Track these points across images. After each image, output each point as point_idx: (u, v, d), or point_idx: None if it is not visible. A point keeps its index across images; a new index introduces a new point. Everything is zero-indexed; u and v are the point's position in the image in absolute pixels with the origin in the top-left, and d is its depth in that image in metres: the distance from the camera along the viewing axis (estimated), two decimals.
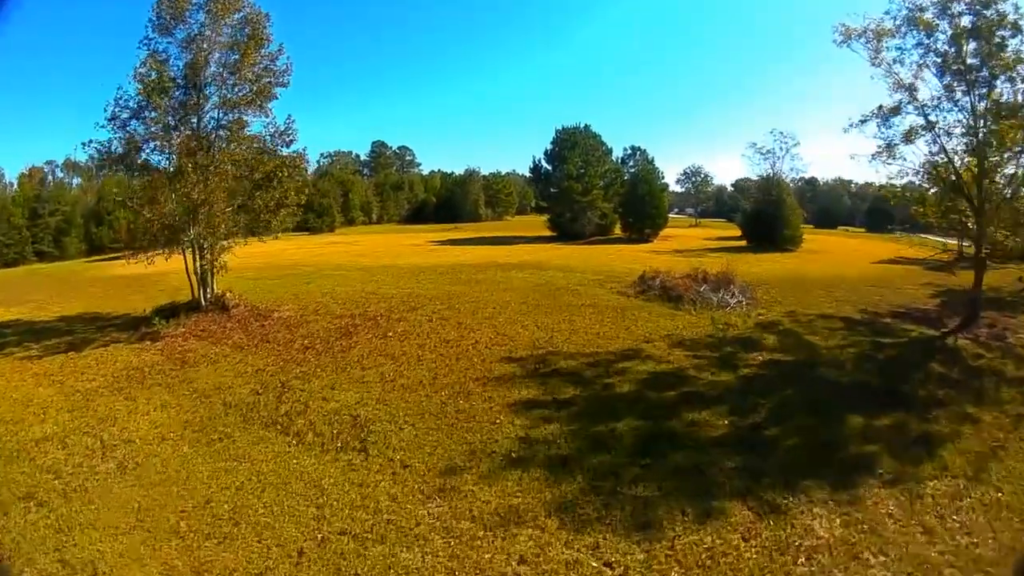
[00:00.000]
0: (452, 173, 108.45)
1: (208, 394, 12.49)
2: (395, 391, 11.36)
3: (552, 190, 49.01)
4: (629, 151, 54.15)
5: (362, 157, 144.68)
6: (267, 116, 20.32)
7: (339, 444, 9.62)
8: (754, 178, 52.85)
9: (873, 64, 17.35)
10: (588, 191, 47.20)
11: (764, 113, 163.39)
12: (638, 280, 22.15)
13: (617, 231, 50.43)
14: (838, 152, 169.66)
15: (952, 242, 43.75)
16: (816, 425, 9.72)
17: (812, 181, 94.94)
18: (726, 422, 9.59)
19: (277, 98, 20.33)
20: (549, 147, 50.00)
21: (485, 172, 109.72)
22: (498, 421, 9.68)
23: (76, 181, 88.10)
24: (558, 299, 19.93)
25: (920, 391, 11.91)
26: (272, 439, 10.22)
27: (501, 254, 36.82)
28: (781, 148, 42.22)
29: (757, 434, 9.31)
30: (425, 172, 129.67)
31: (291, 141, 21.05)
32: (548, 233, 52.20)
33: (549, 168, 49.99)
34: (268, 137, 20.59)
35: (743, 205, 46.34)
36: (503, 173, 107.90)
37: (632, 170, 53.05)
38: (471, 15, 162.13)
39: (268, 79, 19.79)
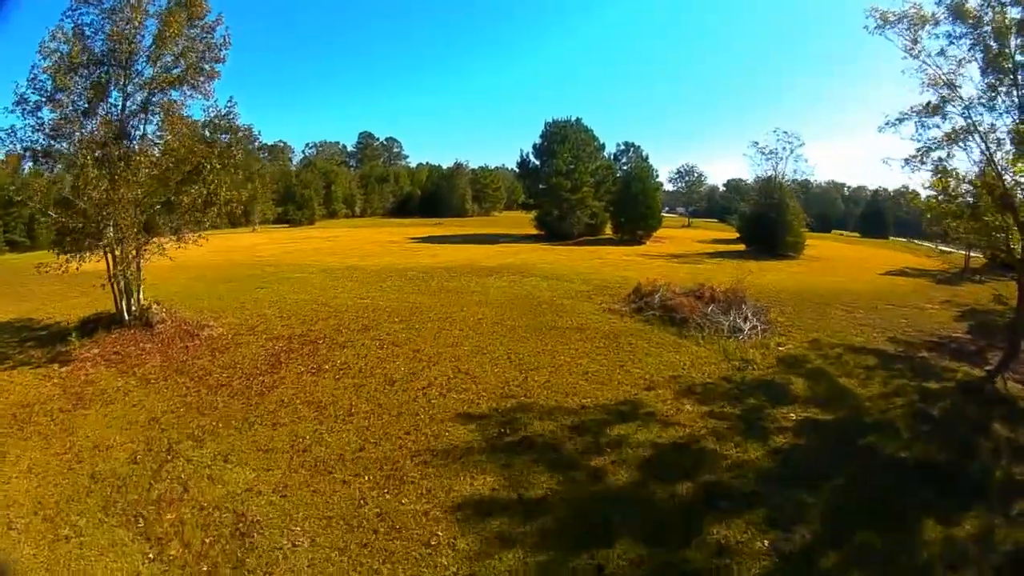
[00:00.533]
0: (439, 167, 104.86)
1: (81, 456, 9.36)
2: (303, 470, 8.24)
3: (540, 186, 45.88)
4: (622, 147, 51.20)
5: (349, 148, 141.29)
6: (206, 98, 17.14)
7: (206, 568, 6.53)
8: (749, 179, 50.32)
9: (910, 55, 14.67)
10: (578, 188, 44.12)
11: (758, 113, 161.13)
12: (633, 294, 19.19)
13: (608, 231, 47.50)
14: (831, 155, 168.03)
15: (959, 252, 41.95)
16: (887, 544, 6.82)
17: (805, 183, 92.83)
18: (766, 543, 6.62)
19: (218, 76, 17.14)
20: (538, 141, 46.84)
21: (475, 166, 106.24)
22: (434, 542, 6.61)
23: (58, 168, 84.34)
24: (539, 318, 16.89)
25: (994, 470, 9.19)
26: (126, 546, 7.12)
27: (481, 255, 33.72)
28: (784, 148, 39.47)
29: (812, 568, 6.34)
30: (413, 165, 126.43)
31: (231, 128, 17.88)
32: (535, 232, 49.12)
33: (537, 163, 46.80)
34: (207, 122, 17.45)
35: (742, 207, 43.44)
36: (492, 168, 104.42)
37: (625, 167, 50.07)
38: (467, 6, 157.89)
39: (201, 54, 16.55)
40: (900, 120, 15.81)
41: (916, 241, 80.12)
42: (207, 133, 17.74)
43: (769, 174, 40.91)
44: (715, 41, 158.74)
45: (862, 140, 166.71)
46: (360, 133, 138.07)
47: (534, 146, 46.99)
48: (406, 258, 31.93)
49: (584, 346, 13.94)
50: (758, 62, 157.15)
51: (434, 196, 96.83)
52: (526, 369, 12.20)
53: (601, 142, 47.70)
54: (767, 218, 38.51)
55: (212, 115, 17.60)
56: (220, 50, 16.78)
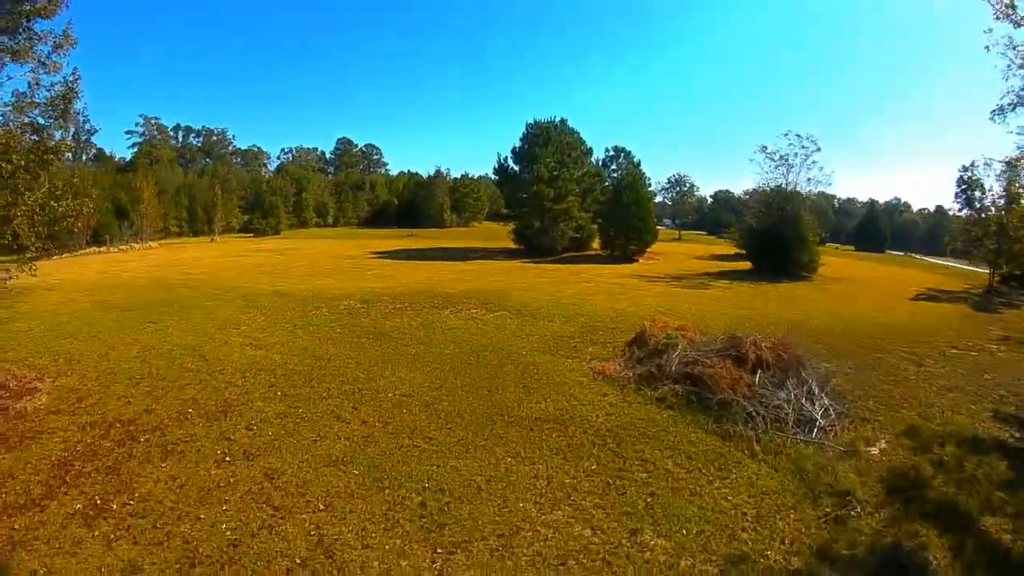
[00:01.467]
0: (418, 175, 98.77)
1: None
2: None
3: (520, 195, 40.17)
4: (611, 152, 45.86)
5: (327, 155, 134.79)
6: (36, 68, 11.33)
7: None
8: (747, 188, 45.30)
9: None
10: (562, 197, 38.47)
11: (749, 122, 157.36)
12: (636, 345, 13.53)
13: (595, 246, 41.91)
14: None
15: (981, 271, 37.34)
16: None
17: (822, 196, 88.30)
18: None
19: (71, 45, 11.44)
20: (518, 144, 41.16)
21: (457, 175, 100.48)
22: None
23: None
24: (497, 394, 11.05)
25: None
26: None
27: (447, 276, 27.87)
28: (798, 155, 34.17)
29: None
30: (394, 173, 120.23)
31: (66, 112, 11.96)
32: (513, 246, 43.40)
33: (516, 169, 41.09)
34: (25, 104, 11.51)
35: (747, 220, 38.01)
36: (474, 176, 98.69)
37: (615, 174, 44.62)
38: (453, 10, 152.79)
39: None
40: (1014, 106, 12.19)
41: (919, 256, 76.68)
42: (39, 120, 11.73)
43: (780, 183, 35.56)
44: (700, 46, 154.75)
45: (848, 151, 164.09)
46: (338, 139, 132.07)
47: (513, 150, 41.35)
48: (353, 280, 25.92)
49: (564, 471, 8.08)
50: (746, 68, 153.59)
51: (411, 205, 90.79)
52: (447, 545, 6.29)
53: (588, 146, 42.27)
54: (780, 234, 33.12)
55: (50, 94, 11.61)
56: None
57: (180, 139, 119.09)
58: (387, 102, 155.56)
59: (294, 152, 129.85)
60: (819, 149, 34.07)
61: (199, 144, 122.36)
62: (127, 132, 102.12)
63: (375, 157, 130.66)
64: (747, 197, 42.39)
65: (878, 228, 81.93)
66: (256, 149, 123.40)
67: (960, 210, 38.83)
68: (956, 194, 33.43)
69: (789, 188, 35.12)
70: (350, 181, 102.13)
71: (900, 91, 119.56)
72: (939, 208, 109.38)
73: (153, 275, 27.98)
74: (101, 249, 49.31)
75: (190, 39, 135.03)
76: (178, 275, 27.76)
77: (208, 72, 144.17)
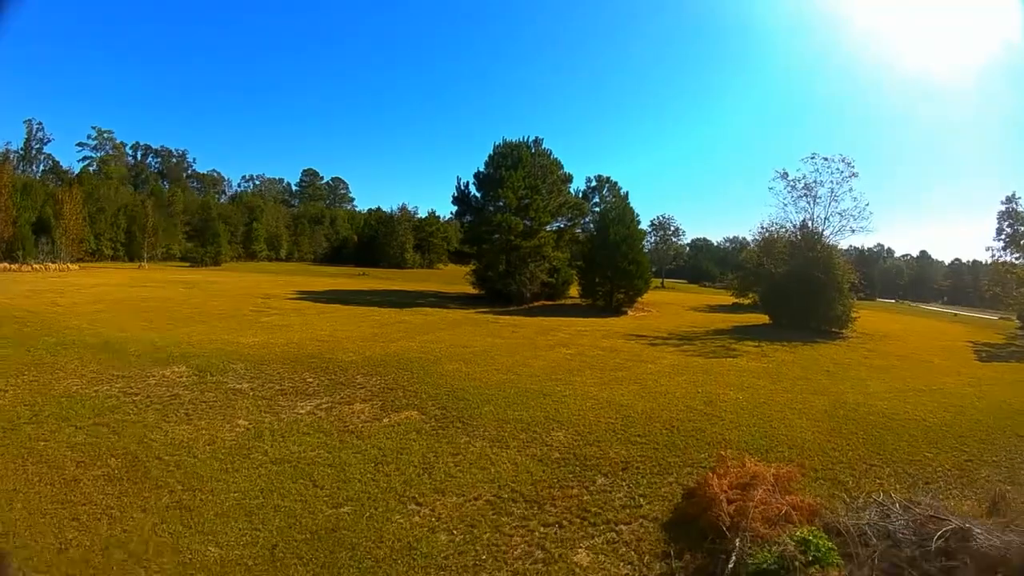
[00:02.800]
0: (380, 210, 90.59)
1: None
2: None
3: (483, 229, 32.12)
4: (593, 183, 38.32)
5: (293, 187, 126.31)
6: None
7: None
8: (763, 225, 38.34)
9: None
10: (533, 232, 30.56)
11: (728, 173, 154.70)
12: (691, 547, 4.94)
13: (573, 293, 33.79)
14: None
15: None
16: None
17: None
18: None
19: None
20: (482, 168, 33.39)
21: (425, 213, 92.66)
22: None
23: None
24: None
25: None
26: None
27: (365, 331, 19.26)
28: (825, 183, 26.89)
29: None
30: (361, 208, 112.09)
31: None
32: (474, 291, 35.00)
33: (479, 196, 33.12)
34: None
35: (769, 266, 30.30)
36: (442, 216, 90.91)
37: (597, 208, 36.97)
38: (425, 45, 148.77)
39: None
40: None
41: (914, 303, 71.16)
42: None
43: (802, 217, 28.16)
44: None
45: None
46: (303, 170, 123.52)
47: (476, 175, 33.43)
48: (233, 330, 17.09)
49: None
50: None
51: (371, 243, 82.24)
52: None
53: (566, 172, 34.64)
54: (807, 279, 25.50)
55: None
56: None
57: (139, 157, 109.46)
58: (357, 134, 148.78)
59: (256, 180, 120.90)
60: (855, 174, 26.85)
61: (158, 164, 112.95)
62: (78, 144, 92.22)
63: (341, 191, 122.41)
64: (757, 238, 34.81)
65: (869, 275, 76.20)
66: (215, 174, 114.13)
67: (1003, 248, 32.43)
68: (999, 231, 27.04)
69: (816, 225, 27.75)
70: (309, 214, 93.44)
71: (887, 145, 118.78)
72: (923, 253, 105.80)
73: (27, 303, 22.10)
74: (13, 267, 44.03)
75: (158, 53, 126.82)
76: (28, 304, 21.70)
77: (175, 90, 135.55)
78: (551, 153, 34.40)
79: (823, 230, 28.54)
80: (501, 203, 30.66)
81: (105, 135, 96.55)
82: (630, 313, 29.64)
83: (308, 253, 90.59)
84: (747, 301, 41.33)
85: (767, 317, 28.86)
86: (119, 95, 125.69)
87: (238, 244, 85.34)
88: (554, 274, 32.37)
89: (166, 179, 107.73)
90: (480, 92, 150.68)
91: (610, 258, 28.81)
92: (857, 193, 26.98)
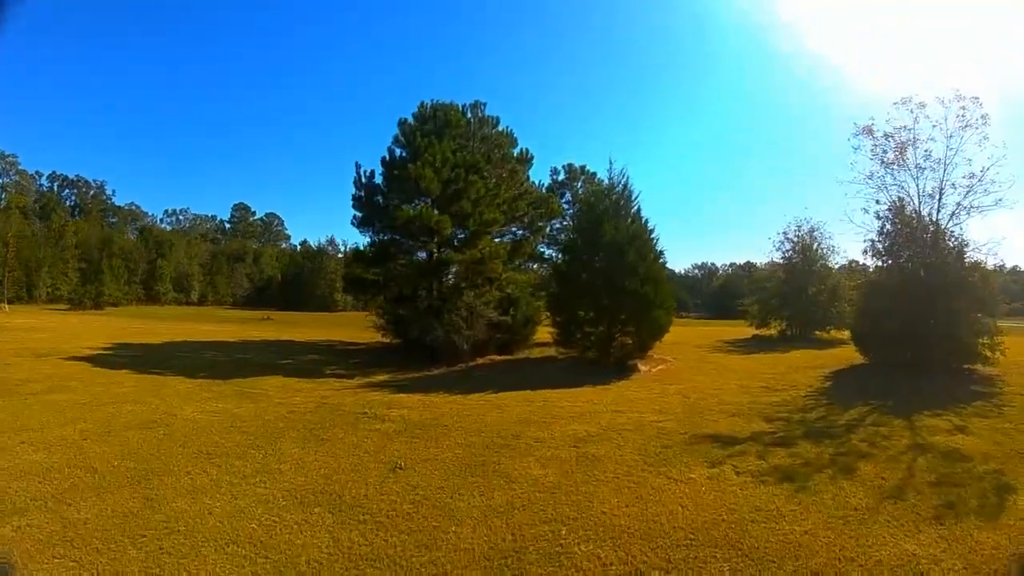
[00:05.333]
0: (308, 244, 75.95)
1: None
2: None
3: (386, 239, 18.77)
4: (562, 175, 25.42)
5: (225, 223, 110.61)
6: None
7: None
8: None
9: None
10: (472, 239, 17.37)
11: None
12: None
13: (541, 337, 20.51)
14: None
15: None
16: None
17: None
18: None
19: None
20: (395, 147, 20.28)
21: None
22: None
23: None
24: None
25: None
26: None
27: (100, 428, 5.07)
28: (944, 135, 15.29)
29: None
30: (296, 245, 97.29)
31: None
32: (383, 340, 21.27)
33: (388, 190, 19.81)
34: None
35: (850, 294, 18.38)
36: None
37: (571, 211, 24.01)
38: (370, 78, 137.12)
39: None
40: None
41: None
42: None
43: (907, 209, 16.25)
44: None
45: None
46: (234, 205, 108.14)
47: (384, 160, 20.10)
48: None
49: None
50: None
51: (296, 283, 67.65)
52: None
53: (523, 149, 21.69)
54: (935, 293, 13.22)
55: None
56: None
57: (53, 188, 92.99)
58: (293, 167, 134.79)
59: (180, 215, 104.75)
60: (985, 120, 14.86)
61: (73, 195, 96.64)
62: None
63: (276, 228, 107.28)
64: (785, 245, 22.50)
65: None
66: (134, 208, 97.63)
67: None
68: None
69: (922, 206, 15.70)
70: (228, 251, 78.09)
71: None
72: None
73: None
74: None
75: (75, 71, 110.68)
76: None
77: (97, 115, 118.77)
78: (500, 123, 21.62)
79: (935, 213, 16.55)
80: (417, 188, 17.37)
81: (8, 159, 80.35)
82: (643, 369, 16.37)
83: (226, 296, 75.14)
84: (772, 332, 29.54)
85: (857, 352, 16.58)
86: (32, 118, 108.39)
87: (138, 285, 69.76)
88: (510, 308, 18.88)
89: (78, 212, 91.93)
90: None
91: (608, 274, 15.71)
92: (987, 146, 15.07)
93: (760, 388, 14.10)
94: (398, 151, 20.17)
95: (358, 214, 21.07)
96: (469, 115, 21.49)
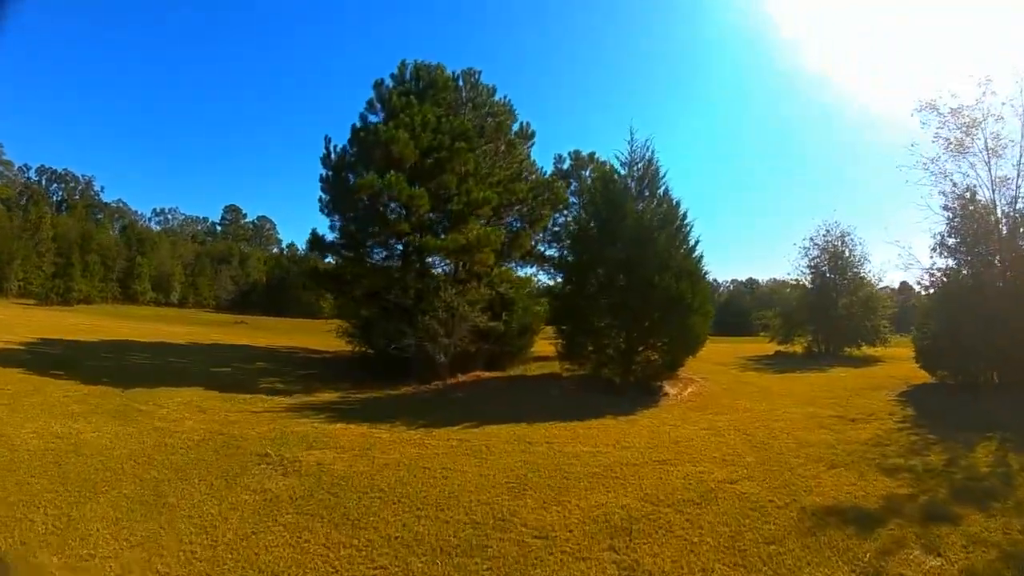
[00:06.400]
0: (295, 247, 71.91)
1: None
2: None
3: (352, 226, 14.86)
4: (568, 163, 21.48)
5: (216, 225, 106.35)
6: None
7: None
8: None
9: None
10: (456, 220, 13.44)
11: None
12: None
13: (540, 350, 16.53)
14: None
15: None
16: None
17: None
18: None
19: None
20: (367, 112, 16.46)
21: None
22: None
23: None
24: None
25: None
26: None
27: None
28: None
29: None
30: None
31: None
32: (349, 348, 17.15)
33: (355, 163, 15.92)
34: None
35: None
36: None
37: (575, 204, 20.08)
38: None
39: None
40: None
41: None
42: None
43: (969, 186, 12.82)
44: None
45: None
46: (225, 207, 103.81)
47: (354, 128, 16.17)
48: None
49: None
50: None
51: (281, 287, 63.59)
52: None
53: (523, 123, 17.81)
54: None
55: None
56: None
57: (41, 181, 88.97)
58: (288, 171, 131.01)
59: (168, 214, 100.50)
60: None
61: (61, 190, 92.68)
62: None
63: (268, 231, 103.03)
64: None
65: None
66: (121, 205, 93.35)
67: None
68: None
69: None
70: (214, 252, 73.96)
71: None
72: None
73: None
74: None
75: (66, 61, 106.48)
76: None
77: (89, 110, 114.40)
78: (497, 92, 17.78)
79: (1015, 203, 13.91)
80: (388, 155, 13.44)
81: None
82: (671, 392, 12.36)
83: (209, 298, 70.81)
84: (797, 348, 25.67)
85: (920, 369, 13.91)
86: (20, 110, 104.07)
87: (114, 283, 65.53)
88: (502, 312, 14.82)
89: (63, 207, 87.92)
90: None
91: (630, 268, 11.78)
92: None
93: (832, 418, 10.60)
94: (371, 117, 16.29)
95: (325, 197, 17.06)
96: (461, 83, 17.70)
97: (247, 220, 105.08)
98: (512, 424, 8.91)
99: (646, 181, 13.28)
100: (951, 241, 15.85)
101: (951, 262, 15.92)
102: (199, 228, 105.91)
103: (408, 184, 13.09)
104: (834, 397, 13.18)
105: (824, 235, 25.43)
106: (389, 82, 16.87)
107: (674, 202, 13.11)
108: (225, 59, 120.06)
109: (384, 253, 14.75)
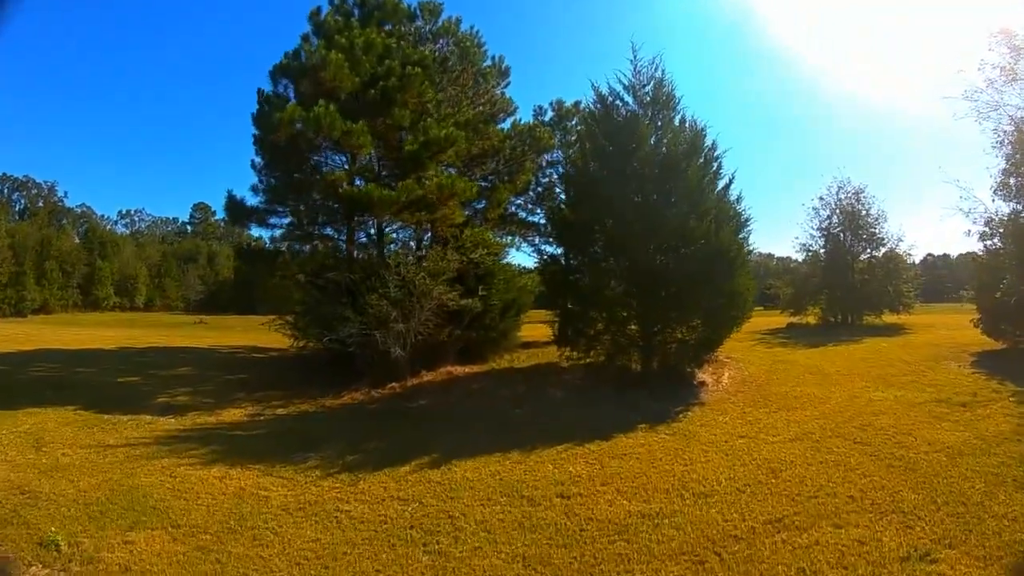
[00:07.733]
0: (262, 240, 67.64)
1: None
2: None
3: (277, 186, 11.21)
4: (549, 114, 17.80)
5: (188, 225, 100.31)
6: None
7: None
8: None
9: None
10: (411, 164, 9.88)
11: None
12: None
13: (526, 334, 13.11)
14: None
15: None
16: None
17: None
18: None
19: None
20: (300, 50, 12.66)
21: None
22: None
23: None
24: None
25: None
26: None
27: None
28: None
29: None
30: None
31: None
32: (291, 346, 13.38)
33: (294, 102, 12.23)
34: None
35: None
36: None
37: (562, 159, 16.43)
38: None
39: None
40: None
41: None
42: None
43: None
44: None
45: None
46: (193, 205, 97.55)
47: (277, 66, 12.25)
48: None
49: None
50: None
51: (249, 283, 59.20)
52: None
53: (496, 57, 14.19)
54: None
55: None
56: None
57: (3, 190, 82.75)
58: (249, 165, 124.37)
59: (136, 217, 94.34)
60: None
61: (23, 198, 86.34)
62: None
63: (239, 228, 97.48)
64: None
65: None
66: (85, 209, 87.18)
67: None
68: None
69: None
70: (180, 251, 69.06)
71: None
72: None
73: None
74: None
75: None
76: None
77: (54, 113, 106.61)
78: (462, 23, 14.06)
79: None
80: (319, 84, 9.74)
81: None
82: (706, 380, 9.01)
83: (177, 300, 65.96)
84: (810, 319, 22.59)
85: (981, 333, 11.79)
86: None
87: (75, 290, 60.46)
88: (478, 286, 11.22)
89: (24, 215, 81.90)
90: None
91: (650, 216, 8.32)
92: None
93: (934, 403, 7.90)
94: (303, 55, 12.46)
95: (258, 161, 13.20)
96: (419, 16, 13.95)
97: (217, 218, 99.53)
98: (498, 455, 5.43)
99: (658, 105, 9.76)
100: (1013, 181, 13.50)
101: (1017, 205, 13.51)
102: (168, 229, 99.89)
103: (343, 118, 9.45)
104: (902, 372, 10.10)
105: (836, 192, 22.42)
106: (327, 7, 13.11)
107: (700, 128, 9.66)
108: (186, 52, 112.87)
109: (323, 218, 11.13)
